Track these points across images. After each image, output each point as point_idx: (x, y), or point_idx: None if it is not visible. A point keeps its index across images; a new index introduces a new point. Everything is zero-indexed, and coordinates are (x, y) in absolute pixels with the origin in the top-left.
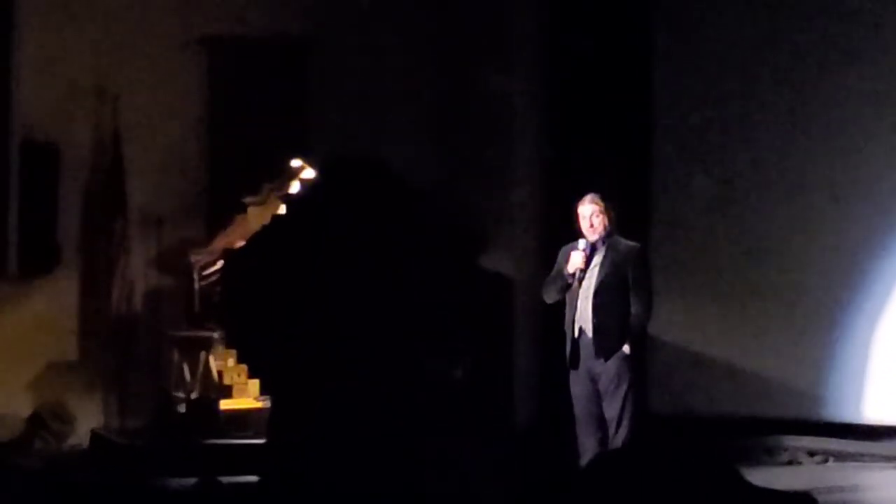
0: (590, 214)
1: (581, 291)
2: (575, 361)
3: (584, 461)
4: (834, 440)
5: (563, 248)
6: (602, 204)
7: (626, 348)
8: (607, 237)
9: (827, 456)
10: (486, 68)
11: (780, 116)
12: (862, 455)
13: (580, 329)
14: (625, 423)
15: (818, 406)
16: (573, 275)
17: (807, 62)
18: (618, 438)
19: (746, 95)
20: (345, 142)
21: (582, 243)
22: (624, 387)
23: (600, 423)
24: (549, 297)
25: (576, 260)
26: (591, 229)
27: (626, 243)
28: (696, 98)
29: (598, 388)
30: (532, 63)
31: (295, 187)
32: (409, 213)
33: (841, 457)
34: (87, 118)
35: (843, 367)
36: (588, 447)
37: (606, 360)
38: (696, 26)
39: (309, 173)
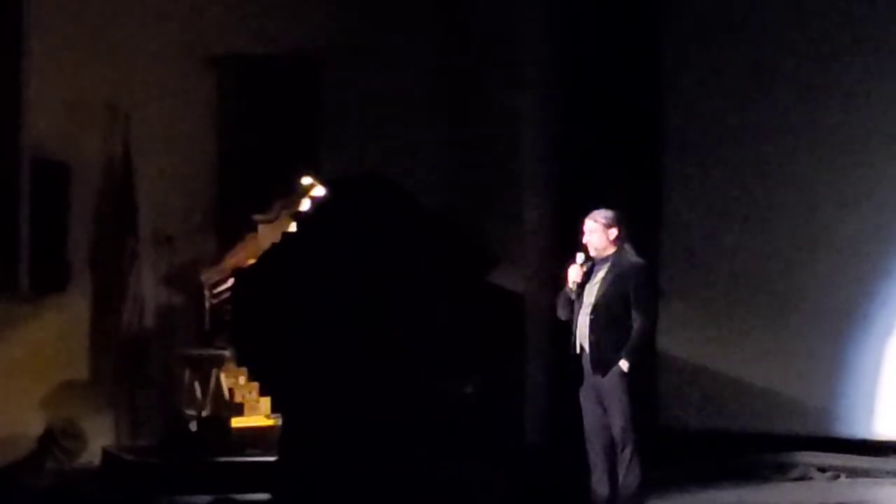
0: (587, 230)
1: (581, 308)
2: (579, 377)
3: (595, 476)
4: (845, 456)
5: None
6: (602, 220)
7: (622, 364)
8: (615, 253)
9: (838, 472)
10: (496, 86)
11: (791, 130)
12: (873, 471)
13: (580, 345)
14: (630, 439)
15: (829, 422)
16: (573, 289)
17: (819, 72)
18: (624, 454)
19: (756, 109)
20: (355, 160)
21: (580, 257)
22: (624, 402)
23: (608, 437)
24: (561, 313)
25: (572, 274)
26: (588, 244)
27: (630, 260)
28: (706, 113)
29: (604, 404)
30: (543, 80)
31: (305, 205)
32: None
33: (852, 473)
34: (97, 135)
35: (855, 383)
36: (598, 462)
37: (603, 375)
38: (707, 40)
39: (319, 191)
